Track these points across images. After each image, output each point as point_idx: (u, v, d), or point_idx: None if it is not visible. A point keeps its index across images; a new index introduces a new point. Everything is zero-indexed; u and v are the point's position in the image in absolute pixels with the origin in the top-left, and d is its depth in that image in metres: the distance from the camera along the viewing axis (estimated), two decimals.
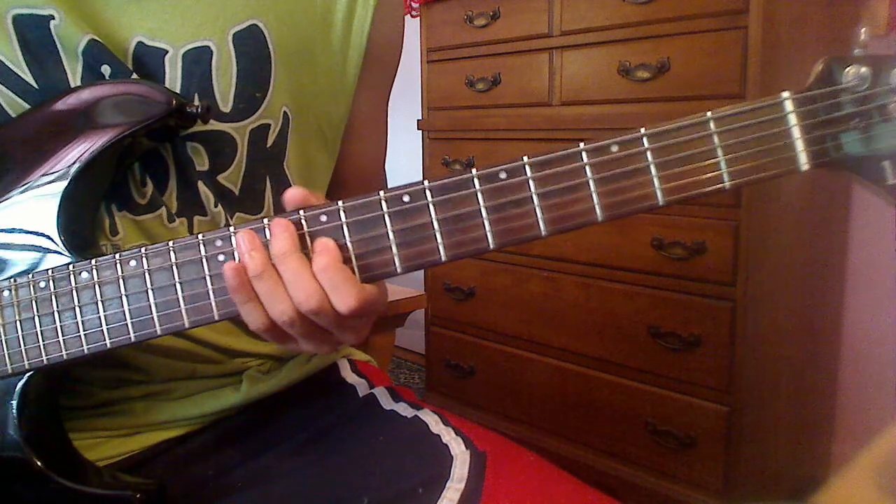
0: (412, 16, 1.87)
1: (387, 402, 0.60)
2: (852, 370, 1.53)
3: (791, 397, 1.41)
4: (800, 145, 0.38)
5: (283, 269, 0.41)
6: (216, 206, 0.54)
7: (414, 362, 2.39)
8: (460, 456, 0.51)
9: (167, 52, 0.51)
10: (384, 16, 0.61)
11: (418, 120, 1.72)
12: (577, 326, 1.48)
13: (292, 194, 0.42)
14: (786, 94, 0.38)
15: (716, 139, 0.38)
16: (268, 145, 0.56)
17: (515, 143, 1.53)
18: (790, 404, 1.42)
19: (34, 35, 0.48)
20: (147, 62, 0.51)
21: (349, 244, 0.41)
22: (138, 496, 0.47)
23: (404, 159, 2.02)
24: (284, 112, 0.56)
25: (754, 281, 1.23)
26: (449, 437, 0.54)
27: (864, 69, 0.37)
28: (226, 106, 0.52)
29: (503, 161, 0.40)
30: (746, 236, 1.22)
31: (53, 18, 0.48)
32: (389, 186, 0.42)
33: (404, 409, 0.59)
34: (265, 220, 0.42)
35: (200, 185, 0.53)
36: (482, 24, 1.55)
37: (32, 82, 0.49)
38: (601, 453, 1.48)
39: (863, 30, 0.38)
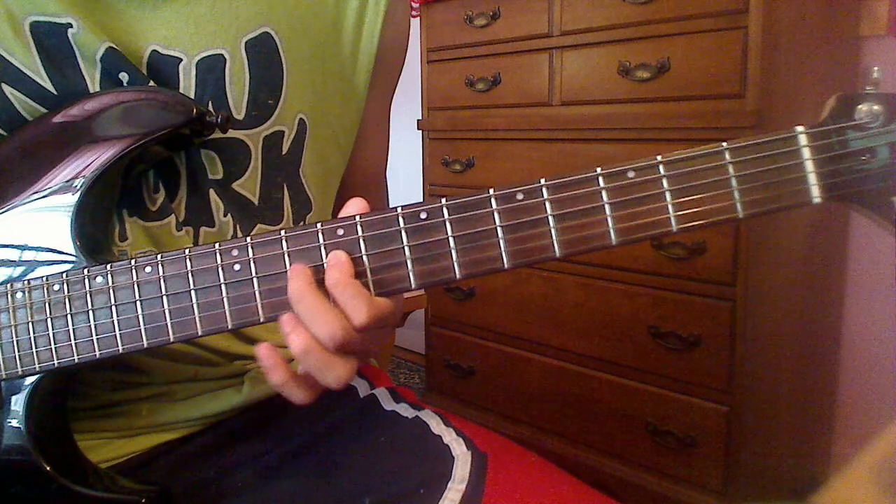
0: (412, 16, 1.87)
1: (388, 403, 0.60)
2: (852, 370, 1.53)
3: (791, 397, 1.42)
4: (812, 179, 0.39)
5: (301, 308, 0.41)
6: (225, 216, 0.54)
7: (414, 362, 2.39)
8: (461, 456, 0.51)
9: (181, 60, 0.51)
10: (393, 20, 0.61)
11: (418, 120, 1.72)
12: (577, 326, 1.48)
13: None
14: (800, 129, 0.39)
15: (731, 169, 0.39)
16: (283, 152, 0.56)
17: (515, 143, 1.53)
18: (790, 404, 1.42)
19: (52, 42, 0.49)
20: (161, 70, 0.51)
21: (365, 258, 0.42)
22: (143, 501, 0.47)
23: (404, 159, 2.02)
24: (300, 119, 0.56)
25: (754, 281, 1.23)
26: (450, 437, 0.54)
27: (876, 107, 0.38)
28: (239, 113, 0.53)
29: (518, 183, 0.41)
30: (746, 236, 1.22)
31: (71, 27, 0.48)
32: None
33: (405, 410, 0.59)
34: (282, 232, 0.42)
35: (212, 193, 0.53)
36: (482, 24, 1.55)
37: (51, 89, 0.49)
38: (601, 453, 1.48)
39: (875, 68, 0.39)
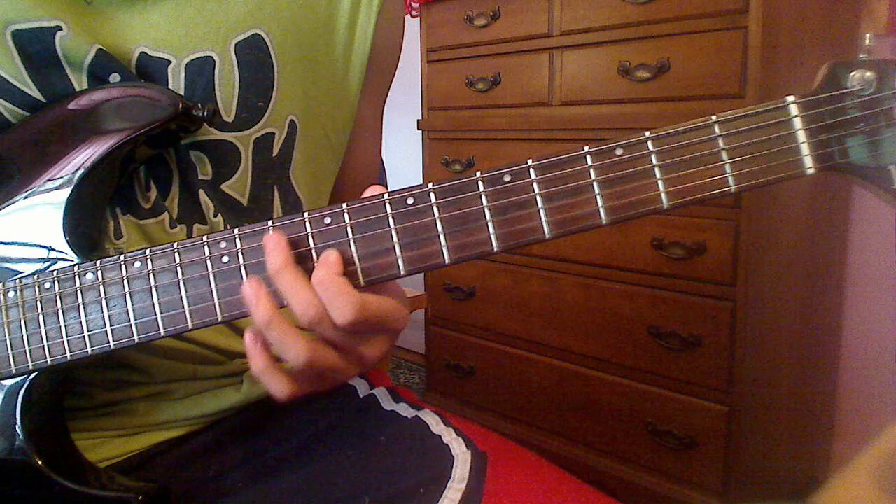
0: (412, 16, 1.87)
1: (387, 403, 0.60)
2: (852, 370, 1.53)
3: (791, 397, 1.42)
4: (805, 149, 0.38)
5: (279, 284, 0.40)
6: (216, 216, 0.54)
7: (414, 362, 2.39)
8: (461, 456, 0.51)
9: (170, 62, 0.51)
10: (387, 20, 0.61)
11: (418, 120, 1.72)
12: (577, 326, 1.48)
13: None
14: (791, 99, 0.38)
15: (721, 143, 0.38)
16: (273, 154, 0.56)
17: (515, 143, 1.53)
18: (790, 404, 1.42)
19: (36, 49, 0.48)
20: (150, 73, 0.51)
21: (352, 245, 0.41)
22: (140, 498, 0.47)
23: (404, 159, 2.02)
24: (291, 120, 0.56)
25: (754, 281, 1.23)
26: (450, 437, 0.54)
27: (868, 74, 0.37)
28: (228, 115, 0.53)
29: (506, 163, 0.40)
30: (746, 236, 1.22)
31: (61, 30, 0.48)
32: (390, 187, 0.42)
33: (405, 410, 0.59)
34: (269, 223, 0.42)
35: (201, 193, 0.53)
36: (482, 24, 1.55)
37: (39, 96, 0.49)
38: (601, 453, 1.48)
39: (867, 35, 0.39)
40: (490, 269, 1.62)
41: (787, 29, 1.22)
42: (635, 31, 1.31)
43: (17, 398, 0.46)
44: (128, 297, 0.44)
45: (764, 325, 1.28)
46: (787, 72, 1.23)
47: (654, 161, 0.39)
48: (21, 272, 0.47)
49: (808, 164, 0.38)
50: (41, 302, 0.45)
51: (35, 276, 0.46)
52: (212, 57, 0.52)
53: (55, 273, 0.45)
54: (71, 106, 0.48)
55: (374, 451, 0.55)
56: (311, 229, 0.42)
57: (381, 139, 0.71)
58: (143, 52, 0.51)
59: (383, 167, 1.14)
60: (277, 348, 0.41)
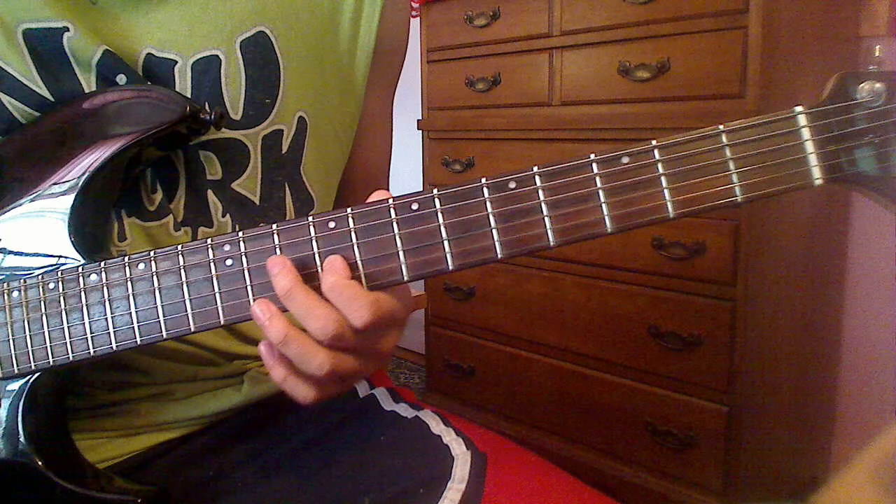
0: (412, 16, 1.87)
1: (387, 403, 0.60)
2: (852, 370, 1.53)
3: (791, 397, 1.42)
4: (813, 160, 0.38)
5: (292, 305, 0.40)
6: (224, 216, 0.54)
7: (414, 362, 2.39)
8: (461, 456, 0.51)
9: (176, 62, 0.51)
10: (391, 14, 0.61)
11: (418, 120, 1.72)
12: (577, 326, 1.48)
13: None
14: (799, 109, 0.38)
15: (728, 152, 0.38)
16: (283, 151, 0.56)
17: (515, 143, 1.53)
18: (790, 404, 1.42)
19: (46, 49, 0.48)
20: (157, 73, 0.51)
21: (356, 250, 0.41)
22: (140, 501, 0.47)
23: (404, 159, 2.02)
24: (300, 117, 0.56)
25: (754, 281, 1.23)
26: (450, 437, 0.54)
27: (878, 85, 0.37)
28: (236, 113, 0.53)
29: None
30: (746, 236, 1.22)
31: (68, 30, 0.48)
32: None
33: (405, 410, 0.59)
34: (273, 227, 0.42)
35: (210, 193, 0.53)
36: (482, 24, 1.55)
37: (48, 95, 0.49)
38: (601, 453, 1.48)
39: (877, 46, 0.38)
40: (490, 269, 1.62)
41: (787, 29, 1.22)
42: (635, 31, 1.31)
43: (19, 399, 0.46)
44: (131, 298, 0.44)
45: (764, 325, 1.28)
46: (787, 72, 1.23)
47: (661, 170, 0.39)
48: (27, 273, 0.47)
49: (817, 174, 0.38)
50: (45, 302, 0.45)
51: (39, 277, 0.46)
52: (217, 56, 0.52)
53: (59, 273, 0.45)
54: (78, 108, 0.49)
55: (374, 451, 0.55)
56: (316, 233, 0.42)
57: (390, 135, 0.71)
58: (149, 54, 0.51)
59: None
60: (298, 362, 0.41)
